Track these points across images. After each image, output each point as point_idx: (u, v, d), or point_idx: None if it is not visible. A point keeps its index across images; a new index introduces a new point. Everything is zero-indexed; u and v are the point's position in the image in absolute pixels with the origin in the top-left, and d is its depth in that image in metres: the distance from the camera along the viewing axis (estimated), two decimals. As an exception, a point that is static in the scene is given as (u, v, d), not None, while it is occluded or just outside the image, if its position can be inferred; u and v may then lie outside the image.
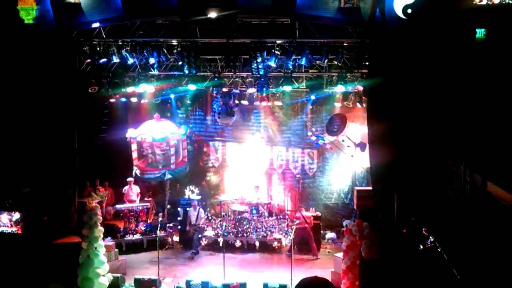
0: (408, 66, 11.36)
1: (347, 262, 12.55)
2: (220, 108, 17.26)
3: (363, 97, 14.69)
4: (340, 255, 13.27)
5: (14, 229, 13.59)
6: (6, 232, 13.68)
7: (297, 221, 15.64)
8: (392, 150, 11.52)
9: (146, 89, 15.52)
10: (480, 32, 9.32)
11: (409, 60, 11.34)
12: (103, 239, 13.69)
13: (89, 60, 13.93)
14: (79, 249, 13.03)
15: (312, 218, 16.12)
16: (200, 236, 15.97)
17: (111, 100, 16.91)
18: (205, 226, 16.34)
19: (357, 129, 16.63)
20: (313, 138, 17.86)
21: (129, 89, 15.53)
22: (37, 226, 13.34)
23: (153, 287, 12.00)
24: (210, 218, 16.98)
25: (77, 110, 13.78)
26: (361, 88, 14.57)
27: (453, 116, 10.50)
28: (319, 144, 17.89)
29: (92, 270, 12.86)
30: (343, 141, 17.07)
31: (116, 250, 14.60)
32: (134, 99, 16.90)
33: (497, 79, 8.70)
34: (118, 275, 13.41)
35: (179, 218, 16.46)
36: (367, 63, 13.14)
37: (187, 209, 16.26)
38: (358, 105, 15.99)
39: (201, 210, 16.22)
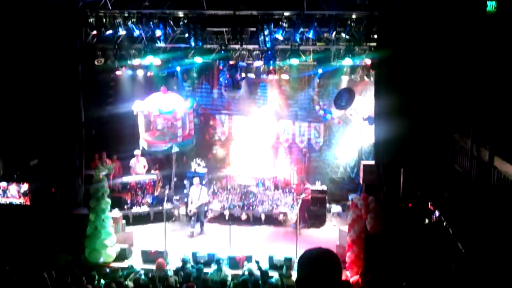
0: (417, 39, 11.23)
1: (352, 235, 12.63)
2: (226, 81, 17.19)
3: (371, 71, 14.58)
4: (345, 228, 13.35)
5: (22, 200, 13.75)
6: (15, 203, 13.84)
7: (303, 194, 15.70)
8: (399, 123, 11.47)
9: (152, 61, 15.45)
10: (490, 5, 9.16)
11: (418, 32, 11.20)
12: (110, 211, 13.84)
13: (95, 32, 13.86)
14: (86, 220, 13.19)
15: (310, 191, 16.18)
16: (204, 213, 15.57)
17: (118, 73, 16.85)
18: (210, 200, 16.30)
19: (365, 103, 16.54)
20: (321, 112, 17.80)
21: (135, 62, 15.47)
22: (45, 198, 13.49)
23: (160, 259, 12.15)
24: (216, 191, 17.08)
25: (83, 82, 13.77)
26: (369, 62, 14.45)
27: (461, 90, 10.41)
28: (327, 119, 17.85)
29: (100, 241, 13.04)
30: (351, 115, 17.01)
31: (123, 222, 14.75)
32: (140, 72, 16.83)
33: (507, 53, 8.59)
34: (125, 246, 13.58)
35: (185, 191, 16.55)
36: (375, 36, 13.00)
37: (190, 187, 15.80)
38: (366, 78, 15.87)
39: (203, 188, 15.67)
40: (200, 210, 15.37)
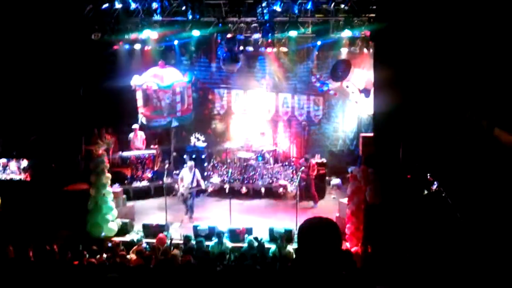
0: (418, 8, 11.10)
1: (351, 207, 12.69)
2: (224, 55, 17.06)
3: (370, 42, 14.47)
4: (345, 200, 13.41)
5: (22, 176, 13.79)
6: (15, 179, 13.88)
7: (302, 168, 15.73)
8: (398, 96, 11.42)
9: (150, 35, 15.31)
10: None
11: (418, 2, 11.07)
12: (111, 185, 13.89)
13: (91, 6, 13.69)
14: (87, 196, 13.24)
15: (316, 165, 16.19)
16: (193, 201, 14.72)
17: (115, 47, 16.71)
18: (207, 188, 15.77)
19: (362, 75, 16.47)
20: (317, 84, 17.75)
21: (132, 36, 15.33)
22: (45, 173, 13.52)
23: (161, 232, 12.25)
24: (216, 165, 17.12)
25: (81, 57, 13.67)
26: (368, 33, 14.33)
27: (461, 61, 10.34)
28: (323, 90, 17.80)
29: (101, 216, 13.12)
30: (347, 87, 16.95)
31: (124, 196, 14.82)
32: (137, 46, 16.70)
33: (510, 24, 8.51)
34: (127, 220, 13.67)
35: (185, 166, 16.58)
36: (374, 7, 12.85)
37: (181, 169, 15.02)
38: (365, 50, 15.76)
39: (197, 171, 14.77)
40: (192, 195, 14.65)
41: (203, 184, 14.83)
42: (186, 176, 14.62)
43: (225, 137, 19.05)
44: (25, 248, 9.47)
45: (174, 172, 16.79)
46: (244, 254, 10.55)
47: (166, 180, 14.46)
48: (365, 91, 15.41)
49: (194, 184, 14.61)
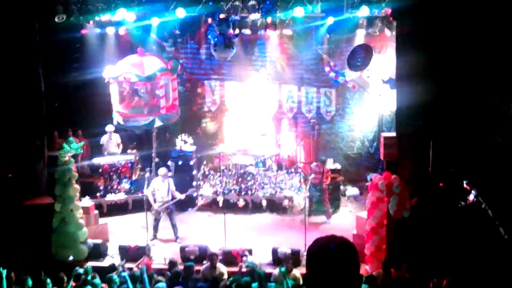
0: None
1: (372, 222, 12.70)
2: (216, 39, 17.05)
3: (391, 19, 14.46)
4: (364, 214, 13.41)
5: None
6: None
7: (312, 175, 15.74)
8: (426, 86, 11.44)
9: (125, 16, 15.32)
10: None
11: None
12: (80, 199, 13.86)
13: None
14: (51, 211, 13.22)
15: (330, 173, 16.18)
16: (174, 216, 14.65)
17: (83, 32, 16.70)
18: (181, 197, 14.99)
19: (385, 63, 16.47)
20: (332, 74, 17.75)
21: (104, 17, 15.33)
22: (1, 185, 13.48)
23: (146, 259, 12.23)
24: (207, 173, 17.12)
25: (42, 44, 13.65)
26: (389, 11, 14.33)
27: (503, 44, 10.35)
28: (339, 82, 17.80)
29: (69, 236, 13.11)
30: (368, 77, 16.96)
31: (96, 212, 14.81)
32: (111, 30, 16.70)
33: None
34: (100, 241, 13.66)
35: (170, 174, 16.57)
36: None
37: (150, 180, 14.64)
38: (387, 32, 15.76)
39: (170, 181, 14.69)
40: (171, 210, 14.60)
41: (178, 195, 14.69)
42: (159, 188, 14.52)
43: (217, 139, 19.06)
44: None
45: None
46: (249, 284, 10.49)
47: (147, 191, 14.46)
48: (390, 81, 15.40)
49: (169, 197, 14.54)
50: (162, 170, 14.72)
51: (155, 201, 14.42)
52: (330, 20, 16.00)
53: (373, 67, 16.74)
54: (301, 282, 11.17)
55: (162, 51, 18.59)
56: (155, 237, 14.52)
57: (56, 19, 14.59)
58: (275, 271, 11.67)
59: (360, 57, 16.73)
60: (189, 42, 19.10)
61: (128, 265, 12.46)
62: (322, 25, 17.03)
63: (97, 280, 10.88)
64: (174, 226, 14.57)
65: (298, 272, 11.69)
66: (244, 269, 11.77)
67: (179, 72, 17.54)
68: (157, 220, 14.58)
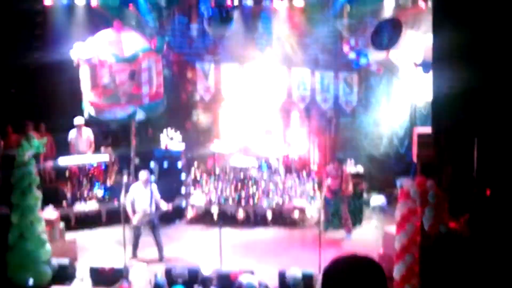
0: None
1: (402, 239, 12.69)
2: (211, 12, 17.09)
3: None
4: (392, 229, 13.42)
5: None
6: None
7: (329, 180, 15.73)
8: (469, 71, 11.43)
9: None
10: None
11: None
12: (42, 209, 13.87)
13: None
14: (7, 224, 13.24)
15: (350, 177, 16.16)
16: (158, 232, 14.64)
17: (46, 3, 16.71)
18: (168, 208, 15.06)
19: (419, 41, 16.47)
20: (352, 55, 17.75)
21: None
22: None
23: (118, 279, 12.24)
24: (199, 177, 17.13)
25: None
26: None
27: None
28: (361, 65, 17.80)
29: (28, 254, 13.11)
30: (397, 59, 16.96)
31: (62, 225, 14.81)
32: (80, 1, 16.69)
33: None
34: (66, 261, 13.66)
35: (153, 179, 16.56)
36: None
37: (128, 186, 14.55)
38: (421, 3, 15.76)
39: (154, 187, 14.63)
40: (155, 224, 14.56)
41: (164, 205, 14.69)
42: (140, 196, 14.46)
43: (212, 135, 19.06)
44: None
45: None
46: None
47: (124, 200, 14.48)
48: (425, 65, 15.40)
49: (153, 207, 14.47)
50: (144, 174, 14.59)
51: (134, 212, 14.39)
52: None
53: (403, 47, 16.75)
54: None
55: (143, 26, 18.58)
56: (134, 255, 14.54)
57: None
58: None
59: (387, 34, 16.75)
60: (176, 16, 19.12)
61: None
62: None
63: None
64: (158, 244, 14.55)
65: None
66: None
67: (164, 52, 17.57)
68: (137, 237, 14.57)
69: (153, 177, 15.62)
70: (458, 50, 11.68)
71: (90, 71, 16.60)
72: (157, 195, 14.59)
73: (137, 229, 14.47)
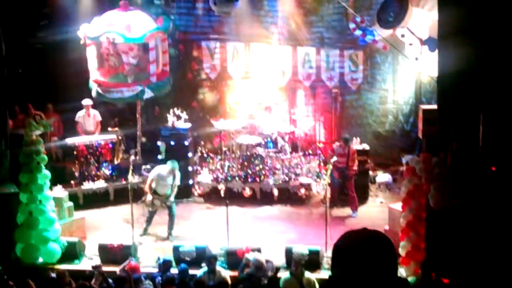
0: None
1: (408, 215, 12.70)
2: (216, -10, 17.01)
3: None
4: (398, 206, 13.43)
5: None
6: None
7: (335, 158, 15.71)
8: (475, 48, 11.38)
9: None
10: None
11: None
12: (51, 188, 13.90)
13: None
14: (16, 203, 13.27)
15: (356, 155, 16.13)
16: (174, 212, 14.72)
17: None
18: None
19: (425, 18, 16.39)
20: (358, 33, 17.65)
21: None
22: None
23: (133, 262, 12.26)
24: (205, 155, 17.14)
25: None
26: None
27: None
28: (366, 42, 17.71)
29: (37, 233, 13.16)
30: (402, 36, 16.88)
31: (70, 204, 14.84)
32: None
33: None
34: (75, 239, 13.71)
35: (159, 157, 16.58)
36: None
37: (152, 171, 14.87)
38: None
39: (178, 176, 14.75)
40: (170, 208, 14.72)
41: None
42: (163, 181, 14.59)
43: (218, 113, 19.02)
44: None
45: (144, 167, 16.81)
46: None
47: (132, 178, 14.49)
48: (430, 42, 15.31)
49: (174, 195, 14.63)
50: (171, 165, 14.59)
51: (154, 192, 14.52)
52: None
53: (409, 24, 16.66)
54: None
55: (149, 5, 18.52)
56: (145, 231, 14.62)
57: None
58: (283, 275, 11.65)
59: (393, 10, 16.64)
60: (182, -6, 19.09)
61: (109, 268, 12.50)
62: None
63: None
64: (172, 217, 14.59)
65: (313, 276, 11.70)
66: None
67: (170, 31, 17.52)
68: (152, 214, 14.70)
69: (160, 156, 15.65)
70: (463, 27, 11.61)
71: (97, 50, 16.58)
72: (178, 182, 14.67)
73: (152, 206, 14.55)
